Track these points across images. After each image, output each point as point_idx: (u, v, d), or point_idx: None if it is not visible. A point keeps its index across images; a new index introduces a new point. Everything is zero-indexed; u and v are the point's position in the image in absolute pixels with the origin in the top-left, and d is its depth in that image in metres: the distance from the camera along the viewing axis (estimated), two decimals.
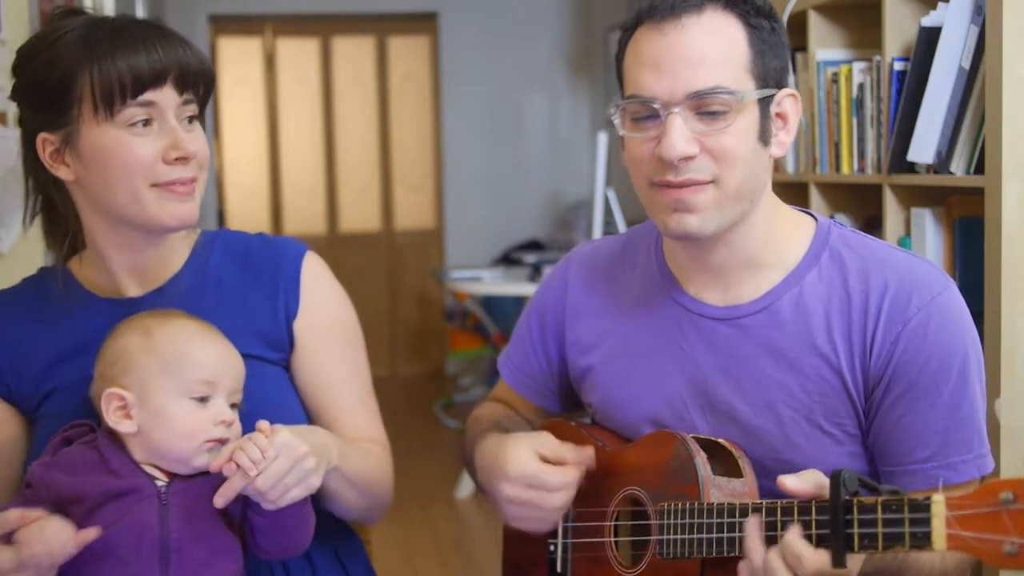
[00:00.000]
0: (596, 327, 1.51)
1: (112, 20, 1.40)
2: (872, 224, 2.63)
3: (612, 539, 1.40)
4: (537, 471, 1.35)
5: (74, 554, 1.23)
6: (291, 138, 6.98)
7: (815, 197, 2.75)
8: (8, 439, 1.46)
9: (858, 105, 2.50)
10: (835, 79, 2.59)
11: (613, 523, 1.40)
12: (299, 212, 7.03)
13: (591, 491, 1.43)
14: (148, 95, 1.35)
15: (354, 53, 7.04)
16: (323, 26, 6.93)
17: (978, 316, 2.03)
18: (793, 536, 1.12)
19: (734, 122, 1.28)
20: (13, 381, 1.45)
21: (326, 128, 7.03)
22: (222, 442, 1.31)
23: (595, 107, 6.87)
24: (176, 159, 1.36)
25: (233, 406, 1.35)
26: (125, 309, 1.44)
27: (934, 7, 2.20)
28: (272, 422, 1.32)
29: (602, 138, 4.24)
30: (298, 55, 6.98)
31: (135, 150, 1.35)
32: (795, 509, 1.14)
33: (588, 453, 1.39)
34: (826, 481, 1.13)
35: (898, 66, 2.33)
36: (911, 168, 2.29)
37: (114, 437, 1.34)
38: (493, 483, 1.39)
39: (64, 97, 1.36)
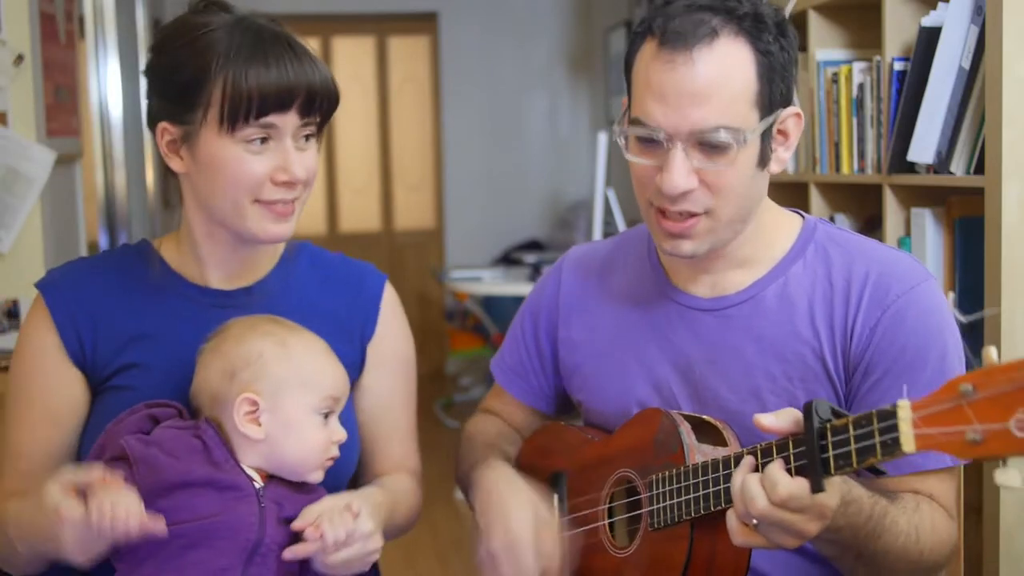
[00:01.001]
0: (588, 325, 1.54)
1: (255, 27, 1.39)
2: (872, 224, 2.63)
3: (605, 522, 1.41)
4: (527, 551, 1.35)
5: (135, 538, 1.23)
6: None
7: (815, 197, 2.75)
8: (73, 404, 1.46)
9: (858, 105, 2.50)
10: (835, 79, 2.59)
11: (606, 507, 1.42)
12: None
13: (583, 482, 1.45)
14: (271, 118, 1.36)
15: (354, 53, 7.04)
16: (323, 26, 6.93)
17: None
18: (773, 466, 1.14)
19: (736, 159, 1.31)
20: (89, 348, 1.45)
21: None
22: (333, 460, 1.37)
23: (595, 107, 6.87)
24: (283, 182, 1.38)
25: (328, 416, 1.39)
26: (216, 300, 1.47)
27: (934, 7, 2.20)
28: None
29: (602, 138, 4.24)
30: None
31: (246, 167, 1.37)
32: (773, 449, 1.16)
33: (574, 541, 1.41)
34: (800, 417, 1.14)
35: (898, 66, 2.33)
36: (911, 168, 2.29)
37: (219, 431, 1.35)
38: (487, 524, 1.39)
39: (193, 97, 1.37)
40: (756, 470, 1.16)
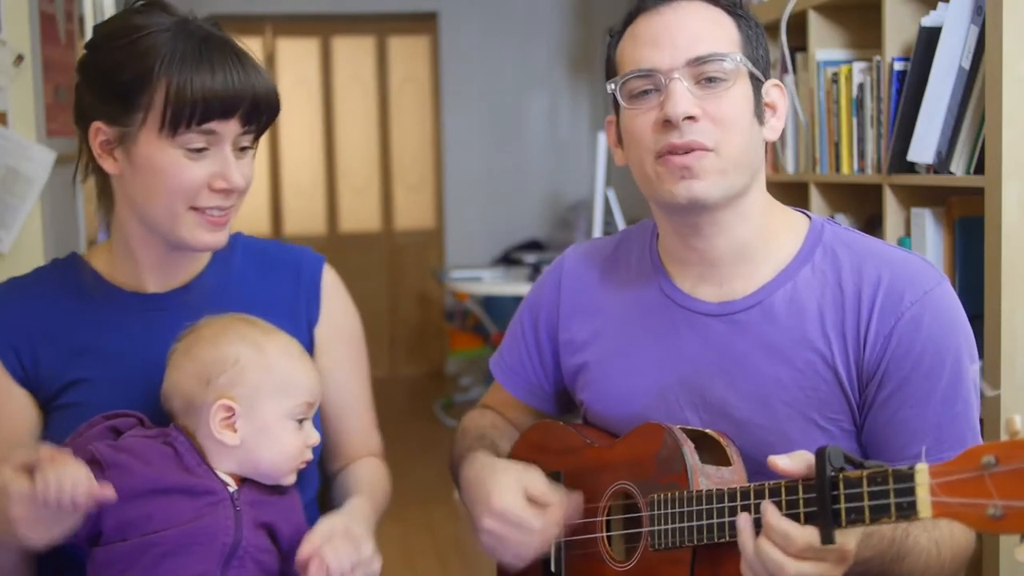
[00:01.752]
0: (589, 325, 1.52)
1: (200, 33, 1.38)
2: (872, 224, 2.63)
3: (604, 534, 1.40)
4: (519, 512, 1.34)
5: (88, 506, 1.21)
6: (291, 138, 6.98)
7: (815, 197, 2.74)
8: (28, 424, 1.44)
9: (858, 105, 2.50)
10: (835, 79, 2.59)
11: (605, 518, 1.41)
12: (299, 212, 7.03)
13: (582, 489, 1.43)
14: (213, 125, 1.35)
15: (354, 53, 7.04)
16: (323, 26, 6.93)
17: (978, 316, 2.03)
18: (773, 516, 1.11)
19: (732, 87, 1.33)
20: (31, 368, 1.44)
21: (326, 128, 7.03)
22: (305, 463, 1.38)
23: (595, 107, 6.87)
24: (220, 189, 1.37)
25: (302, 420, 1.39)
26: (154, 304, 1.46)
27: (934, 7, 2.20)
28: None
29: (602, 138, 4.24)
30: (298, 55, 6.98)
31: (184, 173, 1.36)
32: (782, 489, 1.14)
33: (576, 500, 1.39)
34: (812, 460, 1.13)
35: (898, 66, 2.33)
36: (911, 168, 2.29)
37: (190, 438, 1.34)
38: (475, 510, 1.39)
39: (133, 100, 1.35)
40: (755, 526, 1.14)
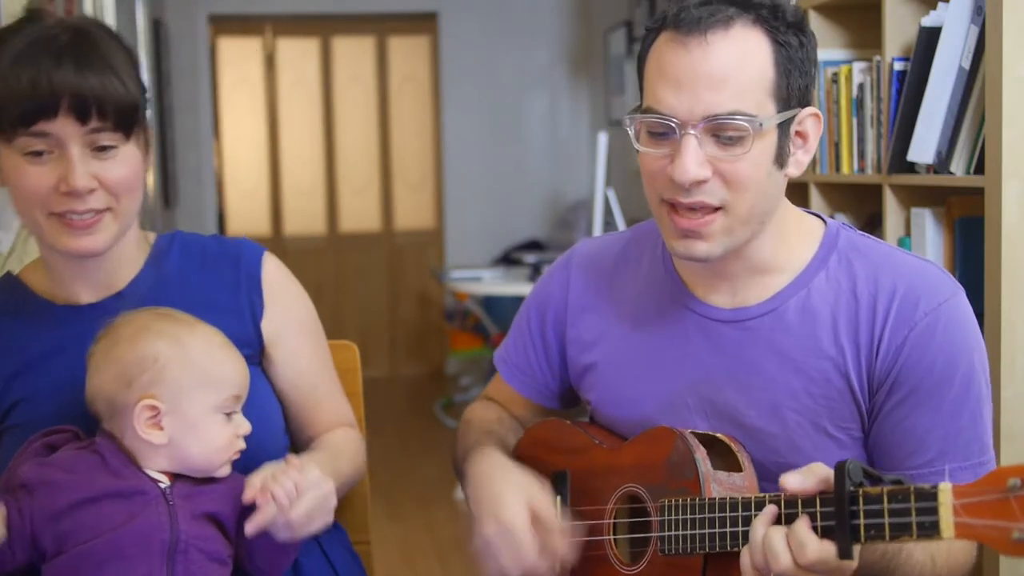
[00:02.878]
0: (598, 325, 1.50)
1: (41, 35, 1.33)
2: (872, 224, 2.63)
3: (611, 537, 1.40)
4: (524, 534, 1.33)
5: None
6: (291, 138, 6.97)
7: (815, 197, 2.74)
8: None
9: (858, 105, 2.50)
10: (835, 79, 2.59)
11: (612, 521, 1.40)
12: (299, 212, 7.03)
13: (589, 490, 1.42)
14: (40, 126, 1.30)
15: (354, 53, 7.03)
16: (323, 26, 6.93)
17: (978, 316, 2.03)
18: (801, 525, 1.11)
19: (751, 148, 1.26)
20: None
21: (326, 128, 7.03)
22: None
23: (595, 107, 6.87)
24: (64, 192, 1.32)
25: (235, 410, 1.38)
26: (85, 316, 1.43)
27: (934, 7, 2.20)
28: (252, 417, 1.38)
29: (602, 138, 4.24)
30: (298, 55, 6.98)
31: (27, 180, 1.32)
32: (799, 501, 1.13)
33: (576, 539, 1.38)
34: (829, 473, 1.12)
35: (898, 66, 2.33)
36: (911, 168, 2.29)
37: (114, 441, 1.33)
38: (480, 511, 1.37)
39: None
40: (778, 521, 1.14)
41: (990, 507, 0.96)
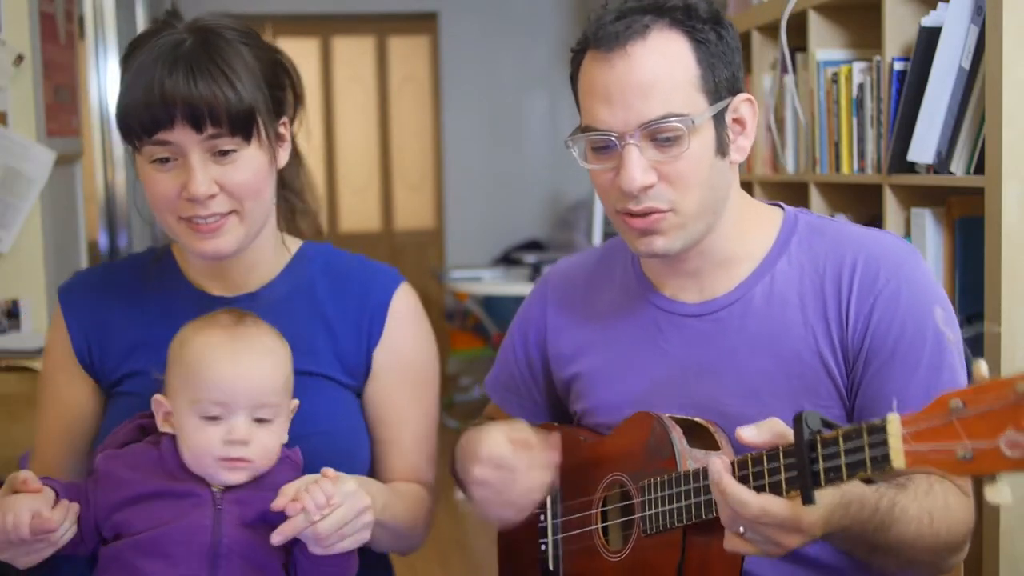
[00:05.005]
0: (577, 338, 1.53)
1: (160, 45, 1.36)
2: (872, 224, 2.63)
3: (599, 526, 1.41)
4: (506, 451, 1.35)
5: (28, 539, 1.24)
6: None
7: (815, 197, 2.75)
8: (83, 408, 1.49)
9: (858, 105, 2.50)
10: (835, 79, 2.59)
11: (599, 510, 1.42)
12: None
13: (576, 484, 1.44)
14: (161, 135, 1.34)
15: (354, 53, 7.04)
16: (323, 26, 6.93)
17: (978, 316, 2.03)
18: (733, 486, 1.13)
19: (689, 145, 1.30)
20: (96, 354, 1.48)
21: (326, 128, 7.03)
22: (243, 460, 1.31)
23: None
24: (187, 198, 1.36)
25: (260, 421, 1.33)
26: (217, 307, 1.44)
27: (934, 7, 2.20)
28: (338, 446, 1.40)
29: None
30: (298, 55, 6.92)
31: (155, 186, 1.37)
32: (764, 458, 1.15)
33: (554, 438, 1.40)
34: (786, 430, 1.14)
35: (898, 66, 2.33)
36: (911, 168, 2.29)
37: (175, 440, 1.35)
38: (465, 468, 1.40)
39: (118, 124, 1.39)
40: (731, 472, 1.16)
41: (936, 432, 0.99)
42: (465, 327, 6.37)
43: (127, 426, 1.39)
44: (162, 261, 1.52)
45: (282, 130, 1.45)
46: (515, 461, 1.35)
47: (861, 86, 2.49)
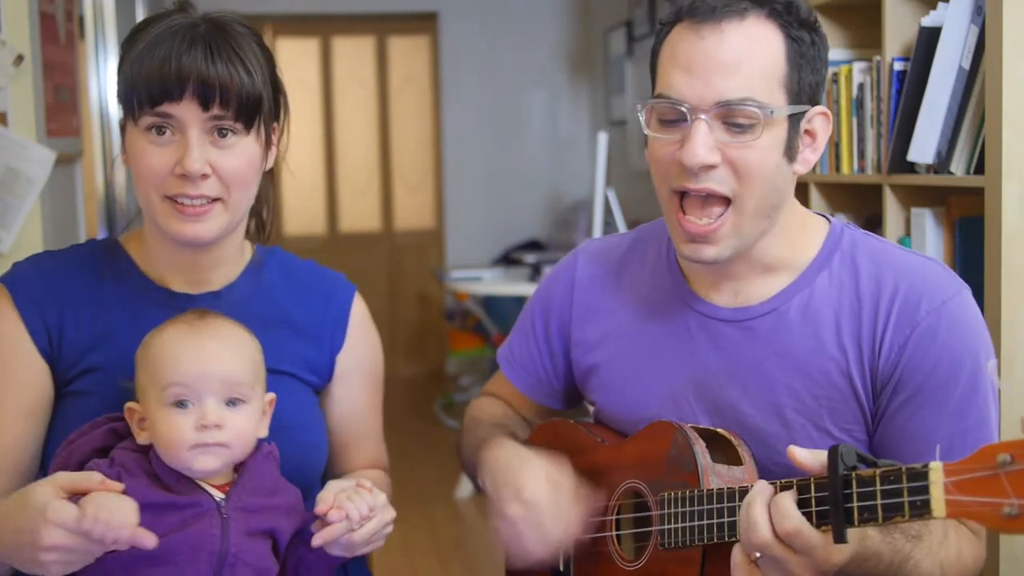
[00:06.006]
0: (603, 325, 1.50)
1: (182, 25, 1.37)
2: (872, 224, 2.63)
3: (613, 533, 1.39)
4: (548, 502, 1.33)
5: (125, 547, 1.18)
6: (291, 138, 6.95)
7: (815, 197, 2.75)
8: (45, 398, 1.42)
9: (858, 105, 2.50)
10: (835, 79, 2.59)
11: (615, 517, 1.40)
12: (299, 212, 7.03)
13: (591, 487, 1.42)
14: (165, 107, 1.34)
15: (354, 53, 7.03)
16: (323, 26, 6.93)
17: None
18: (785, 496, 1.11)
19: (760, 136, 1.27)
20: (56, 344, 1.42)
21: (326, 128, 7.03)
22: (218, 445, 1.29)
23: (595, 107, 6.87)
24: (179, 174, 1.35)
25: (233, 402, 1.31)
26: (182, 304, 1.44)
27: (934, 7, 2.20)
28: (303, 440, 1.44)
29: (602, 138, 4.24)
30: (298, 55, 6.98)
31: (146, 158, 1.36)
32: (795, 487, 1.12)
33: (596, 500, 1.38)
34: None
35: (898, 66, 2.33)
36: (911, 168, 2.29)
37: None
38: (501, 495, 1.37)
39: (120, 91, 1.39)
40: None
41: (980, 484, 0.96)
42: (465, 327, 6.37)
43: (97, 430, 1.34)
44: (113, 254, 1.48)
45: (273, 135, 1.46)
46: (552, 514, 1.33)
47: (861, 86, 2.49)
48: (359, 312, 1.59)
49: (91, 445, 1.34)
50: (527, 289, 4.46)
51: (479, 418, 1.61)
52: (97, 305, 1.44)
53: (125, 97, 1.36)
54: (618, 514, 1.41)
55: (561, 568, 1.47)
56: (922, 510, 1.01)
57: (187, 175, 1.34)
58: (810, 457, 1.12)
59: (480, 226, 6.95)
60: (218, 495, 1.31)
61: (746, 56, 1.26)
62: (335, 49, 7.01)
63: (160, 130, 1.35)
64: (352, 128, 7.05)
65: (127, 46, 1.39)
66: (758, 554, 1.12)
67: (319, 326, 1.54)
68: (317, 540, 1.28)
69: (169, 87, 1.33)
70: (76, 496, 1.19)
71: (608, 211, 4.26)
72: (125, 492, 1.22)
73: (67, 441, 1.34)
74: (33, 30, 2.89)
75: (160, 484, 1.30)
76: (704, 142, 1.26)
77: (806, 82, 1.30)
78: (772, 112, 1.26)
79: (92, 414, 1.37)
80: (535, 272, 5.03)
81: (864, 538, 1.14)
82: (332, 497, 1.29)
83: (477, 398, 1.69)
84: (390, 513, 1.33)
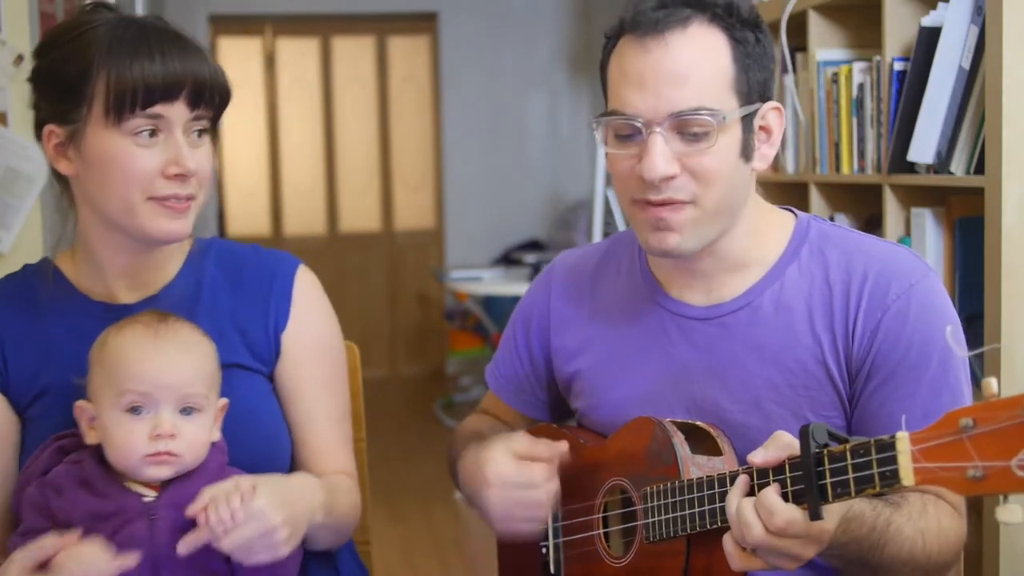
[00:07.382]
0: (581, 333, 1.52)
1: (139, 22, 1.37)
2: (872, 224, 2.63)
3: (600, 531, 1.41)
4: (516, 471, 1.35)
5: None
6: (291, 138, 6.97)
7: (815, 197, 2.75)
8: (6, 430, 1.41)
9: (858, 105, 2.50)
10: (835, 79, 2.59)
11: (601, 515, 1.41)
12: (299, 212, 7.03)
13: (577, 488, 1.43)
14: (158, 108, 1.33)
15: (354, 53, 7.03)
16: (323, 26, 6.93)
17: (978, 316, 2.03)
18: (768, 491, 1.12)
19: (716, 142, 1.28)
20: (3, 372, 1.42)
21: (326, 128, 7.03)
22: (171, 455, 1.28)
23: (595, 107, 6.86)
24: (175, 175, 1.34)
25: (186, 413, 1.31)
26: (119, 315, 1.40)
27: (934, 7, 2.20)
28: (259, 431, 1.39)
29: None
30: (298, 55, 6.98)
31: (136, 161, 1.34)
32: (770, 471, 1.14)
33: (561, 447, 1.39)
34: (793, 441, 1.13)
35: (898, 66, 2.33)
36: (911, 168, 2.29)
37: (100, 452, 1.31)
38: (478, 493, 1.38)
39: (77, 94, 1.34)
40: (751, 492, 1.15)
41: (946, 449, 0.98)
42: (465, 327, 6.37)
43: (45, 451, 1.34)
44: (47, 276, 1.47)
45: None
46: (527, 476, 1.34)
47: (861, 86, 2.49)
48: (304, 286, 1.52)
49: (40, 467, 1.33)
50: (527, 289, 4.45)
51: (462, 432, 1.63)
52: (39, 329, 1.43)
53: (115, 100, 1.32)
54: (605, 512, 1.41)
55: (552, 570, 1.48)
56: (891, 480, 1.03)
57: (185, 175, 1.34)
58: (764, 455, 1.14)
59: (480, 226, 6.95)
60: (150, 495, 1.29)
61: (693, 65, 1.28)
62: (335, 49, 7.01)
63: (153, 133, 1.34)
64: (352, 128, 7.05)
65: (93, 47, 1.34)
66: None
67: (261, 306, 1.49)
68: (181, 547, 1.24)
69: (169, 88, 1.33)
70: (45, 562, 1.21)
71: (608, 211, 4.26)
72: (70, 524, 1.24)
73: (24, 468, 1.34)
74: (33, 30, 2.89)
75: (91, 490, 1.28)
76: (662, 154, 1.28)
77: (755, 81, 1.32)
78: (725, 117, 1.28)
79: (46, 437, 1.36)
80: (535, 272, 5.03)
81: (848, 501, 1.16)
82: (208, 497, 1.24)
83: (469, 416, 1.70)
84: (269, 521, 1.24)
